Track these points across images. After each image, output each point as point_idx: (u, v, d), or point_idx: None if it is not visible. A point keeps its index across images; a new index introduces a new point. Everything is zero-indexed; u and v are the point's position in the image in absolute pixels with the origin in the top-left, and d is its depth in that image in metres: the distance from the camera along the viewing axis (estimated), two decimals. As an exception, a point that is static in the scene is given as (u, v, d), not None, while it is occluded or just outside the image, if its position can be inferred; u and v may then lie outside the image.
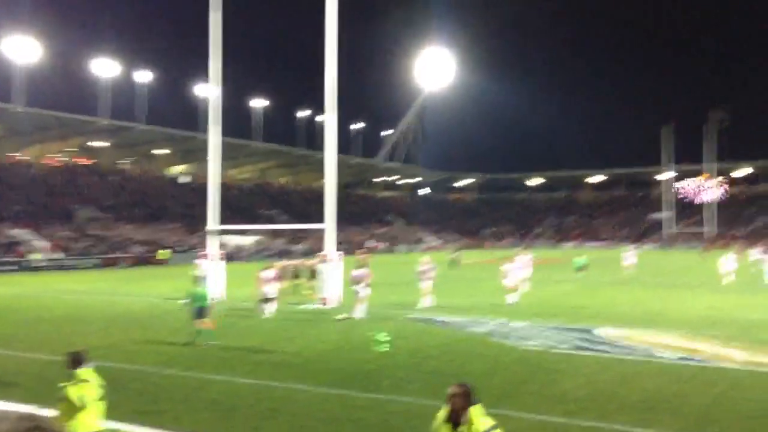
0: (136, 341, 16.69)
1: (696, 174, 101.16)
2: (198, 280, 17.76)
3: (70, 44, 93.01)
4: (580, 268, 38.66)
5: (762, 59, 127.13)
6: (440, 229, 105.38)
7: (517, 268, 25.84)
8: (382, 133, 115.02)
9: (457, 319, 20.04)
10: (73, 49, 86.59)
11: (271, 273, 22.00)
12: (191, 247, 61.63)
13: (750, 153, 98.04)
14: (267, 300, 21.40)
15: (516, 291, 24.77)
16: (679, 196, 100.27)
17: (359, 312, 20.67)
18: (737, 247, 43.66)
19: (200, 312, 16.38)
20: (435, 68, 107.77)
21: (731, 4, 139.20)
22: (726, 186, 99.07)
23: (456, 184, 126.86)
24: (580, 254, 44.83)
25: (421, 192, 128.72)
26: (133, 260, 55.54)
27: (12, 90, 62.29)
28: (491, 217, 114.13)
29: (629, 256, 41.34)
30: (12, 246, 51.54)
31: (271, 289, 21.59)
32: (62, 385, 6.78)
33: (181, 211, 72.53)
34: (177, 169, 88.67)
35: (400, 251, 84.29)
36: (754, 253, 40.51)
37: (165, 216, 70.31)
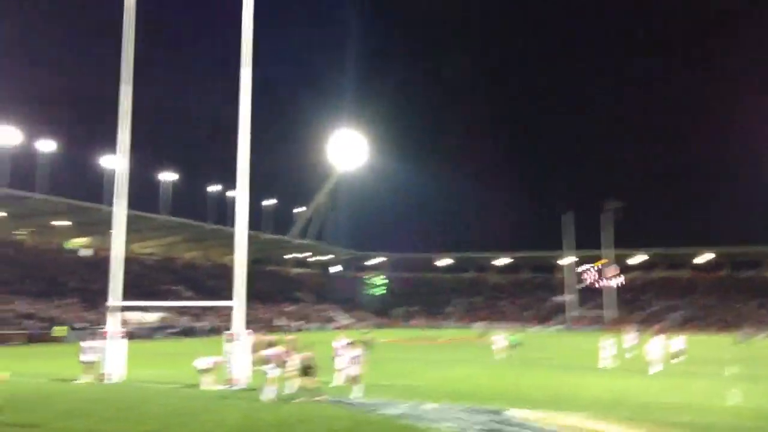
0: (22, 425, 15.36)
1: (595, 259, 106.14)
2: None
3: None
4: (514, 346, 39.86)
5: (654, 151, 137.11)
6: (351, 307, 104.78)
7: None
8: (295, 210, 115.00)
9: (367, 401, 19.65)
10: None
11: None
12: (90, 324, 58.43)
13: (645, 240, 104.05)
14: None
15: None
16: (581, 281, 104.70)
17: (266, 393, 19.94)
18: (629, 330, 45.04)
19: None
20: (347, 149, 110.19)
21: (623, 97, 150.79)
22: (621, 274, 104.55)
23: (367, 263, 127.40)
24: (514, 333, 46.72)
25: (333, 270, 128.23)
26: (26, 337, 51.87)
27: None
28: (402, 296, 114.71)
29: (499, 339, 40.01)
30: None
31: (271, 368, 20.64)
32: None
33: (79, 285, 68.91)
34: (77, 242, 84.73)
35: (311, 330, 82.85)
36: (629, 339, 41.12)
37: (62, 291, 66.54)
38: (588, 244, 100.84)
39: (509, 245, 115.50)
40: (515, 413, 17.67)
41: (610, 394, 22.42)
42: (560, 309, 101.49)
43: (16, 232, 78.08)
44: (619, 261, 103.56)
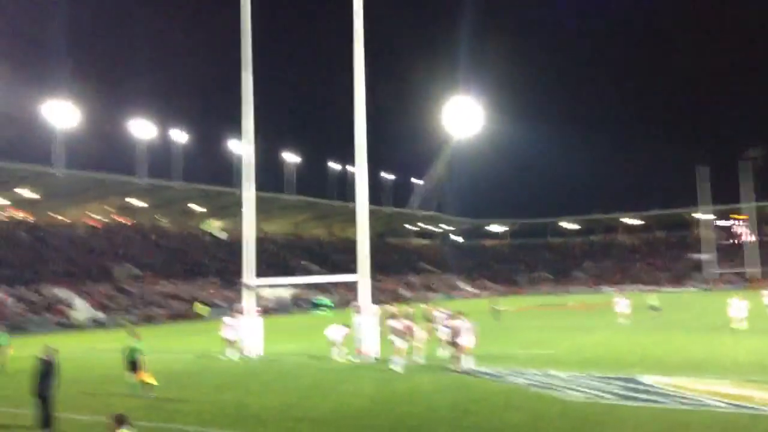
0: (175, 400, 16.69)
1: (734, 213, 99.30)
2: (130, 334, 17.84)
3: (106, 106, 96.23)
4: (652, 309, 39.96)
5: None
6: (475, 276, 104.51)
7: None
8: (413, 180, 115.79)
9: (497, 371, 19.66)
10: (110, 111, 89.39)
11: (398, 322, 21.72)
12: (229, 302, 62.17)
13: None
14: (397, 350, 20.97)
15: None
16: (719, 237, 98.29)
17: (395, 364, 20.44)
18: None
19: (133, 365, 16.87)
20: (463, 116, 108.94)
21: (761, 44, 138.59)
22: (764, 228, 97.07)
23: (488, 229, 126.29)
24: (652, 296, 46.79)
25: (454, 239, 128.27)
26: (171, 316, 56.06)
27: (52, 153, 64.36)
28: (526, 263, 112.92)
29: (621, 302, 37.75)
30: (53, 305, 52.48)
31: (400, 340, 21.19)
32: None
33: (218, 266, 73.30)
34: (213, 225, 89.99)
35: (437, 299, 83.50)
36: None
37: (202, 272, 71.11)
38: (726, 198, 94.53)
39: (640, 204, 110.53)
40: (649, 380, 17.07)
41: (753, 357, 21.08)
42: (698, 268, 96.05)
43: (158, 219, 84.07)
44: (761, 214, 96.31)
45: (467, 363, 19.96)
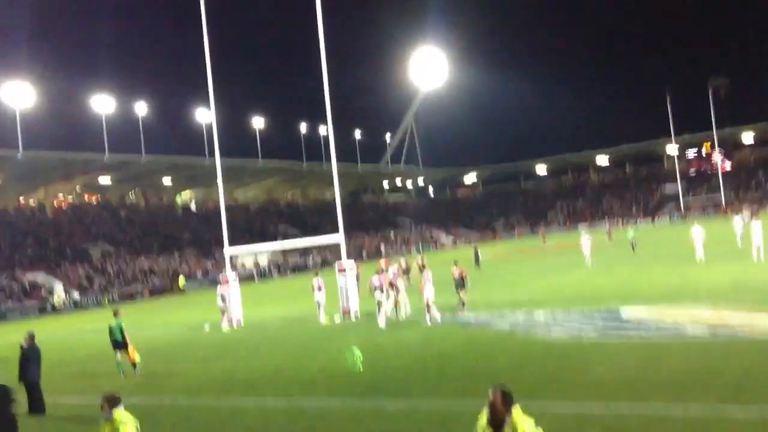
0: (163, 374, 16.70)
1: (702, 142, 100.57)
2: (116, 313, 17.56)
3: (64, 84, 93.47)
4: (632, 242, 40.66)
5: (758, 27, 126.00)
6: (451, 226, 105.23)
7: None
8: (385, 137, 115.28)
9: (480, 317, 19.93)
10: (68, 89, 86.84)
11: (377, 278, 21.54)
12: (205, 273, 61.94)
13: (754, 117, 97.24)
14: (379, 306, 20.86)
15: None
16: (689, 167, 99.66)
17: (380, 321, 20.60)
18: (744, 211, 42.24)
19: (117, 344, 16.61)
20: (429, 67, 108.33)
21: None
22: (731, 155, 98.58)
23: (461, 180, 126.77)
24: (628, 230, 47.85)
25: (428, 192, 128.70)
26: (151, 292, 55.77)
27: (10, 136, 62.65)
28: (500, 209, 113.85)
29: (586, 240, 36.05)
30: (30, 290, 51.83)
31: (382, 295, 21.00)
32: (102, 428, 6.81)
33: (194, 237, 72.75)
34: (185, 196, 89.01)
35: (418, 252, 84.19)
36: (738, 223, 36.87)
37: (177, 244, 70.55)
38: (693, 128, 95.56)
39: (608, 140, 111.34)
40: (631, 312, 17.44)
41: (727, 281, 21.60)
42: (670, 200, 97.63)
43: (127, 195, 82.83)
44: (728, 142, 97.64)
45: (434, 315, 19.99)
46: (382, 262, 25.00)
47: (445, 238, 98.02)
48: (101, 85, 73.08)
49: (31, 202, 72.68)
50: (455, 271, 21.99)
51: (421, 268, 21.98)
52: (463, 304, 21.53)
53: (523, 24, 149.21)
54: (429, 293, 19.97)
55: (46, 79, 67.37)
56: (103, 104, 70.56)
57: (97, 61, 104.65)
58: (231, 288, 26.38)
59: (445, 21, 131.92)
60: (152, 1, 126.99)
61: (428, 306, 19.91)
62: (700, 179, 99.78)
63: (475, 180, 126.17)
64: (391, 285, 21.48)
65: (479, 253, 45.35)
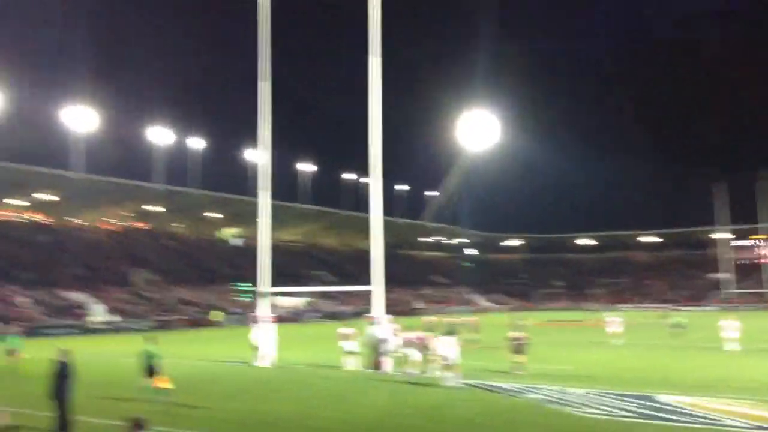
0: (189, 405, 16.71)
1: (752, 233, 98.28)
2: (148, 339, 17.72)
3: (125, 112, 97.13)
4: (677, 326, 39.54)
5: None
6: (489, 290, 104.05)
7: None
8: (427, 194, 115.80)
9: (513, 386, 19.51)
10: (129, 117, 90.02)
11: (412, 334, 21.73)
12: (241, 309, 62.28)
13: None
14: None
15: None
16: (737, 257, 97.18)
17: (410, 375, 20.35)
18: None
19: (150, 370, 16.78)
20: (478, 129, 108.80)
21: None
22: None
23: (503, 244, 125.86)
24: (677, 314, 46.87)
25: (467, 252, 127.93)
26: (188, 322, 56.27)
27: (70, 157, 64.99)
28: (540, 278, 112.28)
29: (613, 321, 37.09)
30: (70, 309, 52.82)
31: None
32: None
33: (233, 273, 73.54)
34: (228, 232, 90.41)
35: (452, 313, 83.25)
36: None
37: (216, 278, 71.34)
38: (743, 218, 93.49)
39: (656, 222, 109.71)
40: (666, 398, 16.85)
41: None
42: (714, 287, 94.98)
43: (174, 225, 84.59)
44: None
45: (454, 379, 19.53)
46: (424, 319, 24.90)
47: (481, 301, 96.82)
48: (159, 117, 75.59)
49: (82, 222, 74.77)
50: (513, 335, 21.83)
51: (448, 331, 21.66)
52: (519, 366, 21.50)
53: (581, 96, 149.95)
54: (452, 354, 19.63)
55: (106, 105, 70.02)
56: (160, 136, 72.89)
57: (157, 93, 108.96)
58: (266, 327, 26.47)
59: (501, 85, 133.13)
60: (215, 44, 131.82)
61: (450, 366, 19.59)
62: (747, 270, 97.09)
63: (516, 246, 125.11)
64: (425, 342, 21.29)
65: (518, 322, 44.34)
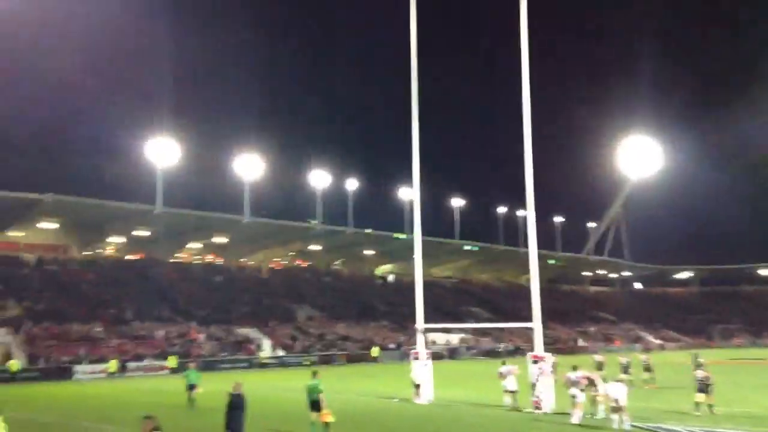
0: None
1: None
2: (314, 373, 17.82)
3: (285, 158, 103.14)
4: None
5: None
6: (658, 326, 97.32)
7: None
8: (589, 225, 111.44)
9: (690, 429, 17.91)
10: (288, 163, 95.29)
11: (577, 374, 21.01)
12: (398, 345, 62.94)
13: None
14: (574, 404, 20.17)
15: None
16: None
17: (575, 418, 19.34)
18: None
19: (315, 404, 16.78)
20: (639, 156, 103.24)
21: None
22: None
23: (673, 277, 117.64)
24: None
25: (634, 286, 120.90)
26: (347, 357, 57.70)
27: (240, 203, 69.69)
28: (718, 314, 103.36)
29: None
30: (242, 344, 56.12)
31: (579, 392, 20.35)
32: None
33: (388, 309, 74.73)
34: (383, 269, 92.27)
35: (619, 351, 78.73)
36: None
37: (374, 314, 72.82)
38: None
39: None
40: None
41: None
42: None
43: (334, 263, 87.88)
44: None
45: (623, 423, 18.27)
46: (596, 357, 23.73)
47: (649, 338, 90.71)
48: (318, 161, 79.34)
49: (251, 262, 79.83)
50: (699, 373, 20.70)
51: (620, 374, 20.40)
52: (709, 407, 20.57)
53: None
54: (619, 395, 18.38)
55: (272, 153, 74.94)
56: (319, 179, 76.46)
57: (316, 140, 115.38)
58: (424, 364, 26.44)
59: (663, 109, 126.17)
60: (370, 90, 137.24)
61: (618, 408, 18.34)
62: None
63: (688, 279, 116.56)
64: (590, 381, 20.20)
65: (699, 359, 40.49)
